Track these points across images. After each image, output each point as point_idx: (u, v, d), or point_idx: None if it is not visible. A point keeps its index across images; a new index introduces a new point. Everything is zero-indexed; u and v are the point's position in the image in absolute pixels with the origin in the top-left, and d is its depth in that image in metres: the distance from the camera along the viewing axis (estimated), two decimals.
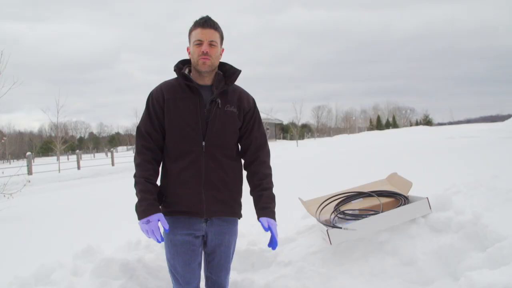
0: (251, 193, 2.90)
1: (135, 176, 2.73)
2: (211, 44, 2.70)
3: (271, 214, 2.82)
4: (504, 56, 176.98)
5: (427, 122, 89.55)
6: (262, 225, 2.79)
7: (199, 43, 2.69)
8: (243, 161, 2.96)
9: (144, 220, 2.61)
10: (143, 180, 2.68)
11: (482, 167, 8.07)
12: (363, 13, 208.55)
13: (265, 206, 2.82)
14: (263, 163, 2.90)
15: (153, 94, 2.81)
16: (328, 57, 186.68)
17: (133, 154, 2.85)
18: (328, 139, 52.75)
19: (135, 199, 2.67)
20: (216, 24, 2.75)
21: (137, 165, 2.74)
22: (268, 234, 2.85)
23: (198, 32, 2.70)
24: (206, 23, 2.70)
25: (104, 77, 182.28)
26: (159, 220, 2.64)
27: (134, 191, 2.71)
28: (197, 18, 2.76)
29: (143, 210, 2.62)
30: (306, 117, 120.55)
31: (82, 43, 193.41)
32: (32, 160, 28.15)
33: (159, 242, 2.68)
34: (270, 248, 2.87)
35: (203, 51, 2.68)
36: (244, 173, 2.95)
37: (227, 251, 2.92)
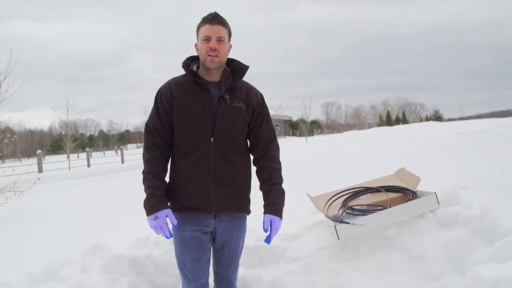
0: (261, 188, 2.92)
1: (143, 172, 2.74)
2: (219, 40, 2.70)
3: (277, 212, 2.83)
4: None
5: (437, 117, 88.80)
6: (264, 223, 2.82)
7: (207, 39, 2.70)
8: (252, 157, 2.96)
9: (153, 216, 2.63)
10: (151, 177, 2.70)
11: (491, 162, 8.04)
12: (371, 9, 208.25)
13: (273, 202, 2.83)
14: (272, 157, 2.90)
15: (162, 90, 2.82)
16: (337, 53, 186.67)
17: (142, 151, 2.87)
18: (337, 136, 52.57)
19: (144, 196, 2.69)
20: (224, 20, 2.75)
21: (146, 161, 2.76)
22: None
23: (206, 28, 2.70)
24: (214, 19, 2.71)
25: (114, 75, 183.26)
26: (167, 216, 2.66)
27: (143, 187, 2.72)
28: (205, 14, 2.77)
29: (151, 206, 2.64)
30: (315, 114, 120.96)
31: (92, 41, 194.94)
32: (43, 158, 28.28)
33: (167, 238, 2.70)
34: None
35: (211, 47, 2.68)
36: (254, 168, 2.96)
37: (235, 247, 2.94)
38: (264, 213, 2.84)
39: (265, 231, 2.82)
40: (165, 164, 2.81)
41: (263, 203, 2.89)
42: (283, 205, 2.88)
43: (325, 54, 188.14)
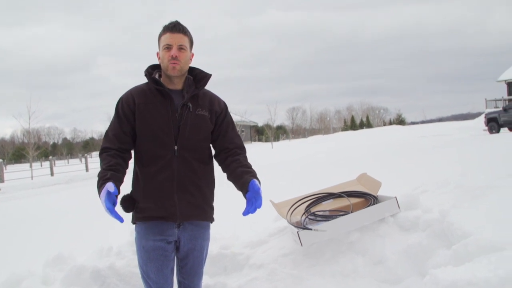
0: (235, 172, 2.77)
1: (98, 173, 2.63)
2: (180, 48, 2.70)
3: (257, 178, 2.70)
4: (474, 55, 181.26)
5: (400, 121, 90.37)
6: (254, 186, 2.60)
7: (168, 48, 2.69)
8: (219, 159, 2.93)
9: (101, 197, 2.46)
10: (102, 170, 2.60)
11: (452, 165, 8.19)
12: (337, 15, 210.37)
13: (256, 176, 2.71)
14: (240, 154, 2.89)
15: (123, 98, 2.79)
16: (303, 59, 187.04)
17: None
18: (303, 140, 52.86)
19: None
20: (185, 28, 2.75)
21: (101, 161, 2.69)
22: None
23: (167, 37, 2.70)
24: (175, 27, 2.70)
25: (78, 82, 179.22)
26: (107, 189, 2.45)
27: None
28: (166, 22, 2.76)
29: (98, 190, 2.51)
30: (281, 119, 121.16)
31: (56, 47, 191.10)
32: (4, 167, 27.69)
33: (120, 220, 2.46)
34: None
35: (172, 55, 2.68)
36: (218, 174, 2.94)
37: (200, 256, 2.92)
38: (250, 180, 2.65)
39: (257, 190, 2.59)
40: (123, 163, 2.72)
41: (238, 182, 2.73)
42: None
43: (291, 60, 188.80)
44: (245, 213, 2.60)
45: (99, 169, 2.71)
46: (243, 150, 2.95)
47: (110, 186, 2.45)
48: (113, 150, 2.71)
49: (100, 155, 2.74)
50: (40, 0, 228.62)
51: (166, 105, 2.72)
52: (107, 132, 2.78)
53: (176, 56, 2.69)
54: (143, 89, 2.80)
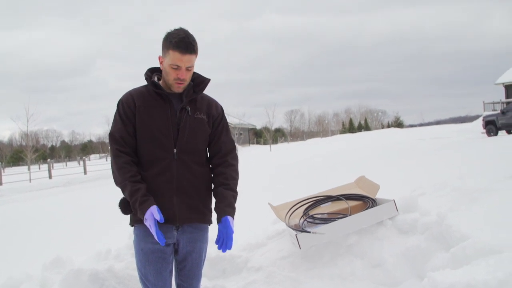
0: (216, 190, 2.86)
1: (119, 182, 2.65)
2: (187, 69, 2.68)
3: (233, 216, 2.79)
4: (472, 59, 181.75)
5: (398, 124, 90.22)
6: (229, 224, 2.72)
7: (177, 68, 2.66)
8: (212, 164, 2.93)
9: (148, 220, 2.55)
10: (128, 183, 2.61)
11: (450, 168, 8.19)
12: (336, 18, 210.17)
13: (233, 206, 2.79)
14: (231, 165, 2.89)
15: (123, 100, 2.77)
16: (302, 62, 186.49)
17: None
18: (301, 143, 52.83)
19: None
20: (195, 45, 2.68)
21: (118, 169, 2.66)
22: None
23: (177, 56, 2.63)
24: (187, 48, 2.63)
25: (77, 85, 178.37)
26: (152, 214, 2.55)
27: (123, 199, 2.64)
28: (176, 32, 2.66)
29: (141, 211, 2.57)
30: (279, 122, 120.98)
31: (55, 50, 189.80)
32: (2, 170, 27.65)
33: (162, 243, 2.58)
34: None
35: (179, 77, 2.66)
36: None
37: (198, 258, 2.91)
38: (227, 214, 2.75)
39: (231, 232, 2.72)
40: (137, 169, 2.72)
41: (217, 204, 2.80)
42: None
43: (290, 62, 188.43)
44: (218, 246, 2.74)
45: (109, 169, 2.68)
46: (234, 158, 2.94)
47: (155, 212, 2.55)
48: (127, 156, 2.69)
49: (115, 157, 2.69)
50: (39, 3, 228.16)
51: (165, 108, 2.72)
52: (113, 133, 2.75)
53: (183, 78, 2.68)
54: (143, 91, 2.79)
